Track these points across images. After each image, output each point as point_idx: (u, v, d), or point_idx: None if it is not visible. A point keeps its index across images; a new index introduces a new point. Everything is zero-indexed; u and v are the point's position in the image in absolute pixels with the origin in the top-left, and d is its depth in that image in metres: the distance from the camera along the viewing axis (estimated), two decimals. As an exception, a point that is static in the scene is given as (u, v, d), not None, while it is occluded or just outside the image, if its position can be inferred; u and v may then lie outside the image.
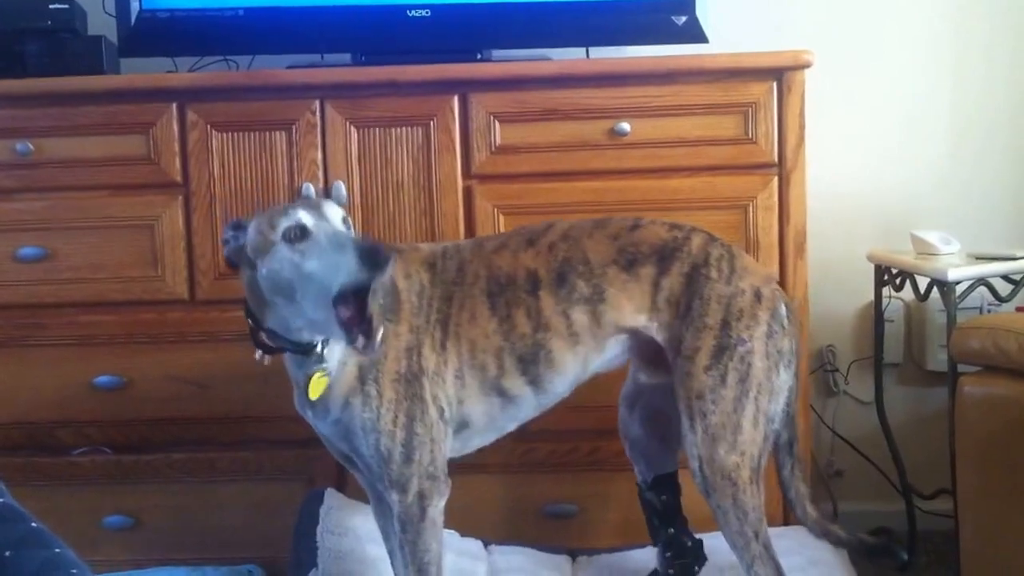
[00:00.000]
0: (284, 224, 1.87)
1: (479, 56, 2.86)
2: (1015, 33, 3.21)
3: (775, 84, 2.68)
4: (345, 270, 1.81)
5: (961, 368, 2.56)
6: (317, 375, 2.00)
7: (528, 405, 2.15)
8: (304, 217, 1.88)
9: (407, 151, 2.72)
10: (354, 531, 2.46)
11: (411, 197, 2.72)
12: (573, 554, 2.66)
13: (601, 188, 2.72)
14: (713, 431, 2.05)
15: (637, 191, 2.71)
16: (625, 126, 2.69)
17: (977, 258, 2.83)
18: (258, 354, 2.02)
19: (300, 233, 1.86)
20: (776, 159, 2.70)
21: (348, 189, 2.63)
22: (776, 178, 2.70)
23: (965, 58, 3.22)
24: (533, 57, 2.84)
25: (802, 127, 2.69)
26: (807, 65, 2.68)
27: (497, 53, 2.89)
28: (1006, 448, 2.38)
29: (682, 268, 2.13)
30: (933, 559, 2.99)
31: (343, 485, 2.67)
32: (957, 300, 2.68)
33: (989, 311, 3.04)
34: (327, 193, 2.05)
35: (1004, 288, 2.79)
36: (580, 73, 2.72)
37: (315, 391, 2.00)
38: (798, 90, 2.69)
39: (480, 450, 2.23)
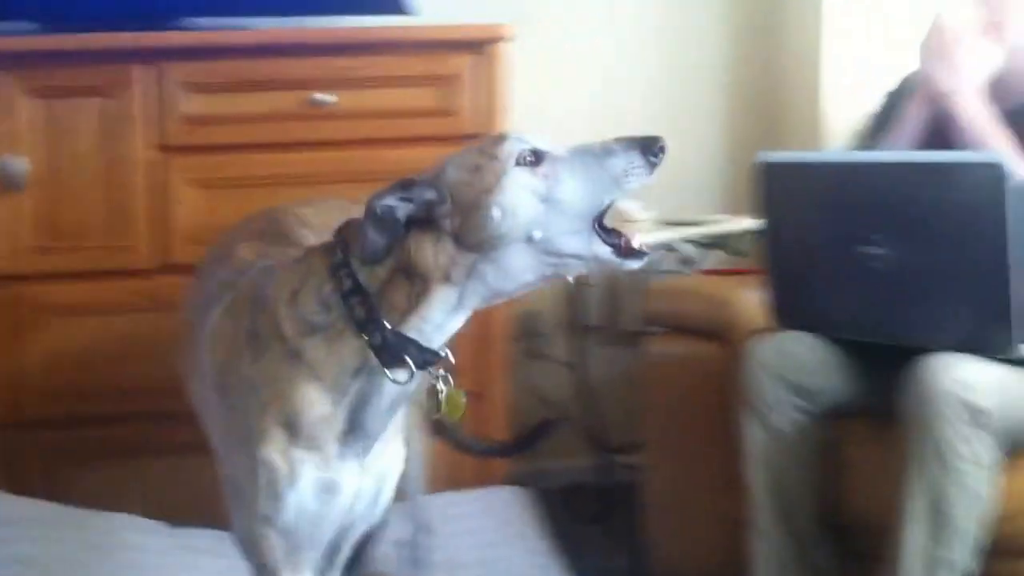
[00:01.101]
0: (510, 150, 1.51)
1: (177, 25, 2.77)
2: (714, 23, 3.38)
3: (477, 57, 2.72)
4: (622, 175, 1.50)
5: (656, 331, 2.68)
6: (451, 392, 1.62)
7: None
8: (531, 139, 1.53)
9: (96, 123, 2.62)
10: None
11: (100, 171, 2.62)
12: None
13: (305, 160, 2.70)
14: None
15: (343, 163, 2.70)
16: (328, 97, 2.67)
17: (668, 224, 2.96)
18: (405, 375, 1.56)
19: (535, 156, 1.51)
20: (476, 131, 2.73)
21: (30, 163, 2.50)
22: (477, 150, 2.74)
23: (666, 29, 3.35)
24: (237, 27, 2.78)
25: (503, 100, 2.73)
26: (507, 38, 2.72)
27: (199, 22, 2.81)
28: (687, 403, 2.52)
29: None
30: (626, 509, 3.13)
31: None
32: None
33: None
34: None
35: (694, 252, 2.94)
36: (281, 42, 2.69)
37: (456, 411, 1.64)
38: (500, 63, 2.73)
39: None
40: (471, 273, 1.51)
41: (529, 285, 1.55)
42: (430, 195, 1.50)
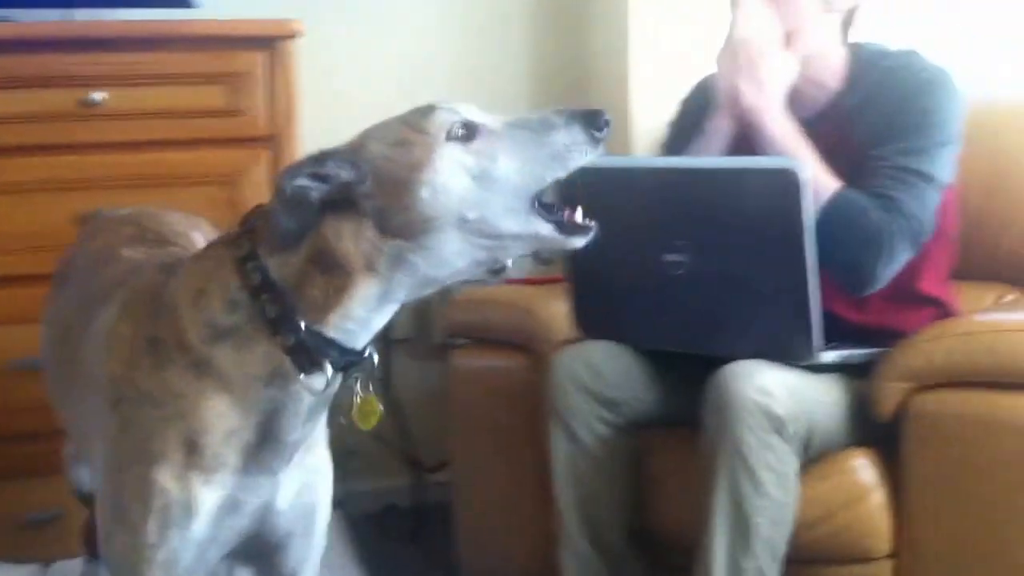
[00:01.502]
0: (441, 122, 1.37)
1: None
2: (516, 11, 3.32)
3: (265, 54, 2.60)
4: (564, 151, 1.39)
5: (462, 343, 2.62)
6: (367, 396, 1.46)
7: None
8: (463, 110, 1.39)
9: None
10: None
11: None
12: (48, 562, 2.47)
13: (84, 163, 2.54)
14: None
15: (124, 166, 2.56)
16: (101, 96, 2.51)
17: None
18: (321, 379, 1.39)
19: (468, 130, 1.37)
20: (268, 132, 2.62)
21: None
22: (268, 152, 2.62)
23: (469, 22, 3.28)
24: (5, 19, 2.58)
25: (293, 99, 2.63)
26: (297, 35, 2.62)
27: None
28: (494, 417, 2.47)
29: None
30: (442, 527, 3.07)
31: None
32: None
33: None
34: None
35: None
36: (48, 36, 2.51)
37: (370, 418, 1.48)
38: (289, 61, 2.63)
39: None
40: (397, 261, 1.36)
41: (463, 272, 1.40)
42: (347, 173, 1.34)
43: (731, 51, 2.11)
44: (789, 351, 2.00)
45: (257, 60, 2.61)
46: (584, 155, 1.40)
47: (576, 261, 2.17)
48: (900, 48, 2.20)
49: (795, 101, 2.12)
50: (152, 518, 1.41)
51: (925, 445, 2.01)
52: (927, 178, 2.05)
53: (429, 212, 1.34)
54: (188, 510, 1.41)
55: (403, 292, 1.39)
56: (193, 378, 1.39)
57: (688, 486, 2.04)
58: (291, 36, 2.61)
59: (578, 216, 1.41)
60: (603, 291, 2.18)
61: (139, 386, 1.42)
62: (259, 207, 1.42)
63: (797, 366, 2.00)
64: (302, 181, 1.33)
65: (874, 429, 2.05)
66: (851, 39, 2.23)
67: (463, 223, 1.35)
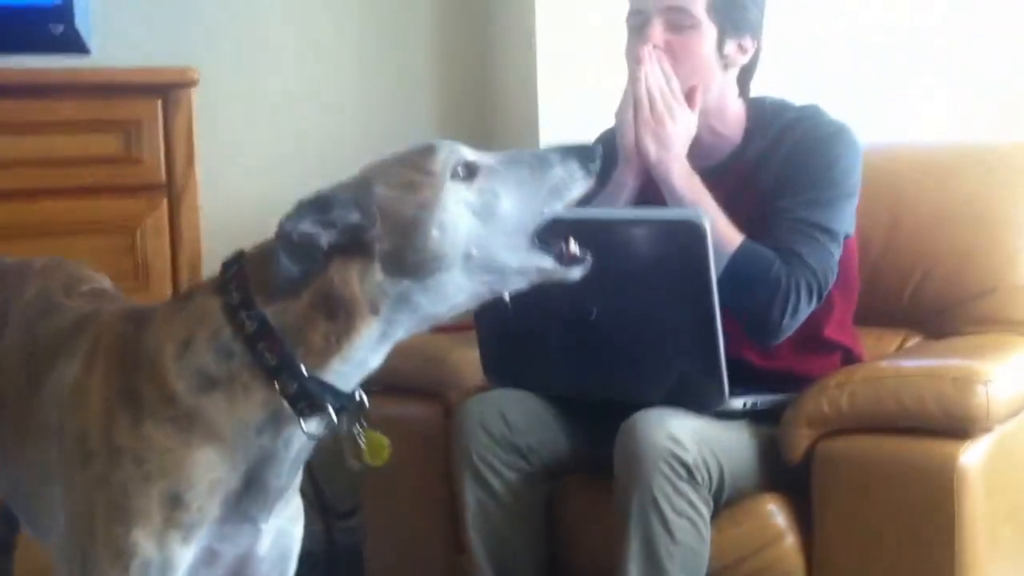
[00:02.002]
0: (444, 161, 1.38)
1: None
2: (422, 33, 3.30)
3: (160, 101, 2.55)
4: (561, 185, 1.42)
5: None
6: (371, 433, 1.46)
7: None
8: (462, 150, 1.40)
9: None
10: None
11: None
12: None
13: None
14: None
15: (14, 215, 2.46)
16: (-10, 144, 2.43)
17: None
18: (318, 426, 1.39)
19: (469, 169, 1.39)
20: (164, 180, 2.57)
21: None
22: (166, 200, 2.57)
23: (369, 79, 3.25)
24: None
25: (191, 146, 2.58)
26: (193, 83, 2.58)
27: None
28: (404, 464, 2.41)
29: None
30: (351, 574, 3.03)
31: None
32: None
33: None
34: None
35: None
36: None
37: (381, 453, 1.48)
38: (185, 108, 2.58)
39: None
40: (402, 301, 1.36)
41: (462, 307, 1.42)
42: (355, 217, 1.34)
43: (634, 107, 2.13)
44: (699, 398, 2.01)
45: (153, 107, 2.55)
46: (581, 187, 1.45)
47: (484, 309, 2.14)
48: (801, 103, 2.24)
49: (695, 152, 2.15)
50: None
51: (834, 489, 2.03)
52: (829, 232, 2.09)
53: (438, 251, 1.36)
54: (165, 570, 1.37)
55: (402, 331, 1.39)
56: (178, 431, 1.35)
57: (601, 533, 2.03)
58: (187, 84, 2.57)
59: (573, 247, 1.45)
60: (512, 339, 2.17)
61: (115, 442, 1.37)
62: (240, 253, 1.40)
63: (707, 413, 2.02)
64: (308, 227, 1.32)
65: (785, 473, 2.07)
66: (752, 93, 2.28)
67: (468, 260, 1.37)
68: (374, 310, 1.35)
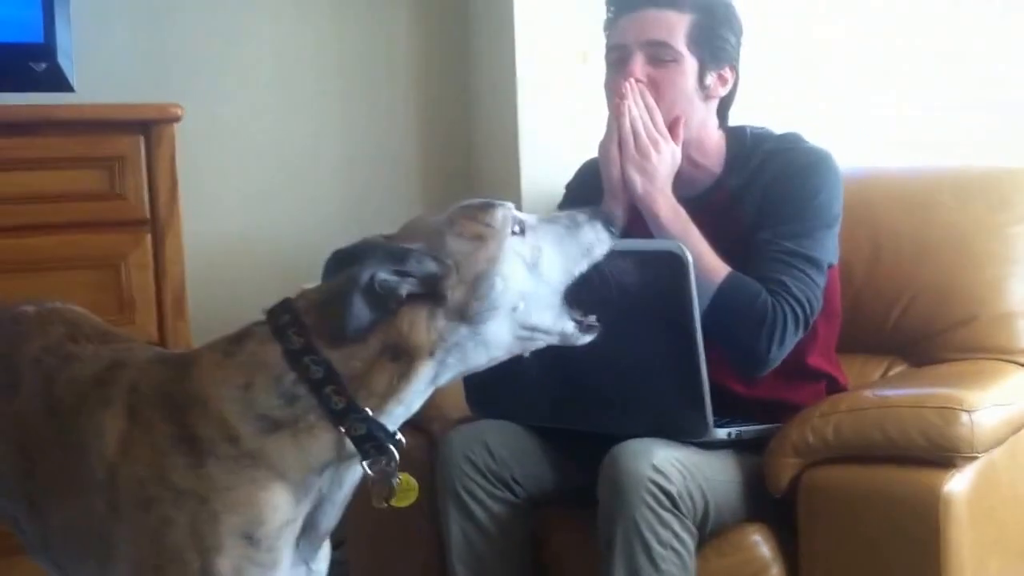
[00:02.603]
0: (504, 218, 1.48)
1: None
2: (403, 77, 3.31)
3: (143, 137, 2.56)
4: (591, 246, 1.56)
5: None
6: (405, 476, 1.48)
7: None
8: (512, 207, 1.51)
9: None
10: None
11: None
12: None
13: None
14: None
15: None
16: (-26, 181, 2.43)
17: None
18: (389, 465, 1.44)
19: (520, 226, 1.50)
20: (148, 215, 2.57)
21: None
22: (149, 235, 2.57)
23: (350, 118, 3.25)
24: None
25: (174, 181, 2.58)
26: (176, 119, 2.58)
27: None
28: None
29: None
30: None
31: None
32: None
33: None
34: None
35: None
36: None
37: (410, 495, 1.50)
38: (168, 144, 2.58)
39: None
40: (454, 347, 1.46)
41: (495, 359, 1.52)
42: (432, 268, 1.42)
43: (619, 141, 2.13)
44: (683, 428, 2.01)
45: (137, 143, 2.56)
46: (605, 248, 1.58)
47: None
48: (782, 132, 2.25)
49: (675, 183, 2.16)
50: None
51: (819, 519, 2.02)
52: (813, 262, 2.10)
53: (496, 301, 1.46)
54: None
55: (446, 377, 1.49)
56: (241, 469, 1.39)
57: (586, 564, 2.02)
58: (170, 119, 2.58)
59: (591, 318, 1.58)
60: (495, 370, 2.15)
61: (176, 485, 1.40)
62: (288, 301, 1.45)
63: (691, 443, 2.01)
64: (386, 275, 1.39)
65: (770, 504, 2.06)
66: (732, 123, 2.29)
67: (514, 312, 1.48)
68: (431, 354, 1.44)
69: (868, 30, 2.90)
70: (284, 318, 1.44)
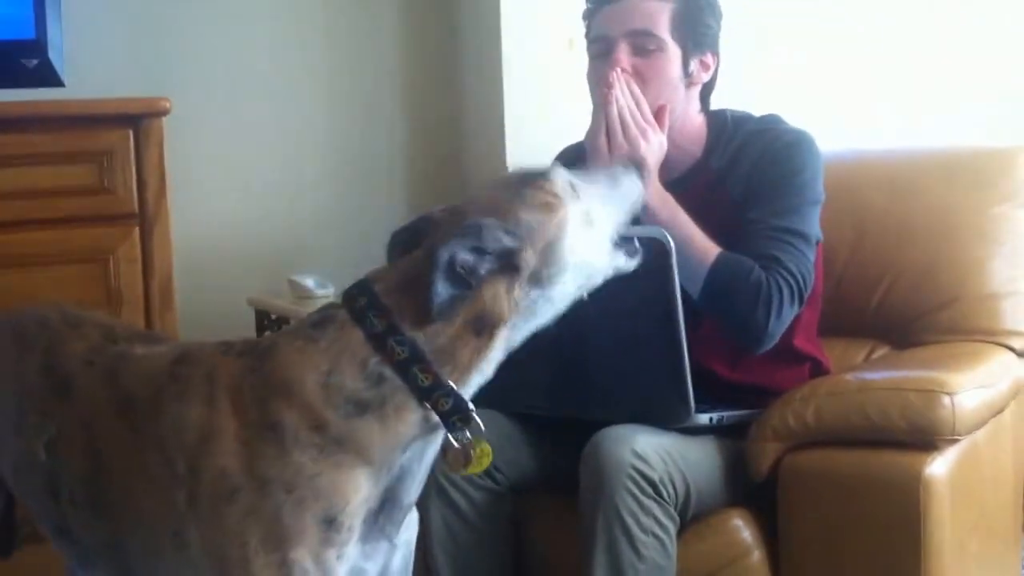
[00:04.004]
0: (561, 184, 1.54)
1: None
2: (390, 65, 3.31)
3: (132, 131, 2.57)
4: (629, 193, 1.64)
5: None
6: (480, 440, 1.52)
7: None
8: (565, 172, 1.57)
9: None
10: None
11: None
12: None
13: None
14: None
15: (-8, 247, 2.48)
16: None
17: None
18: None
19: (574, 189, 1.55)
20: (137, 209, 2.58)
21: None
22: (138, 229, 2.58)
23: (337, 108, 3.26)
24: None
25: (163, 175, 2.59)
26: (164, 112, 2.59)
27: None
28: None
29: None
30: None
31: None
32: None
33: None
34: None
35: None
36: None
37: (484, 460, 1.55)
38: (156, 138, 2.59)
39: None
40: (528, 310, 1.51)
41: (559, 312, 1.56)
42: (508, 241, 1.45)
43: (607, 133, 2.13)
44: (665, 414, 2.02)
45: (126, 138, 2.56)
46: (638, 195, 1.67)
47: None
48: (762, 114, 2.25)
49: (661, 166, 2.16)
50: None
51: (800, 503, 2.02)
52: (803, 236, 2.10)
53: (567, 263, 1.51)
54: None
55: (517, 339, 1.53)
56: (326, 456, 1.41)
57: (567, 550, 2.02)
58: (158, 113, 2.58)
59: (636, 243, 1.64)
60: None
61: (263, 475, 1.41)
62: (364, 283, 1.48)
63: (673, 429, 2.02)
64: (466, 255, 1.42)
65: (751, 488, 2.06)
66: (714, 106, 2.29)
67: (577, 266, 1.53)
68: (506, 322, 1.47)
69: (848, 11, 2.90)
70: (362, 301, 1.46)
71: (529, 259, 1.47)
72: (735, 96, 2.38)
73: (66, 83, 2.68)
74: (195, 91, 3.04)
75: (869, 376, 2.13)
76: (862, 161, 2.58)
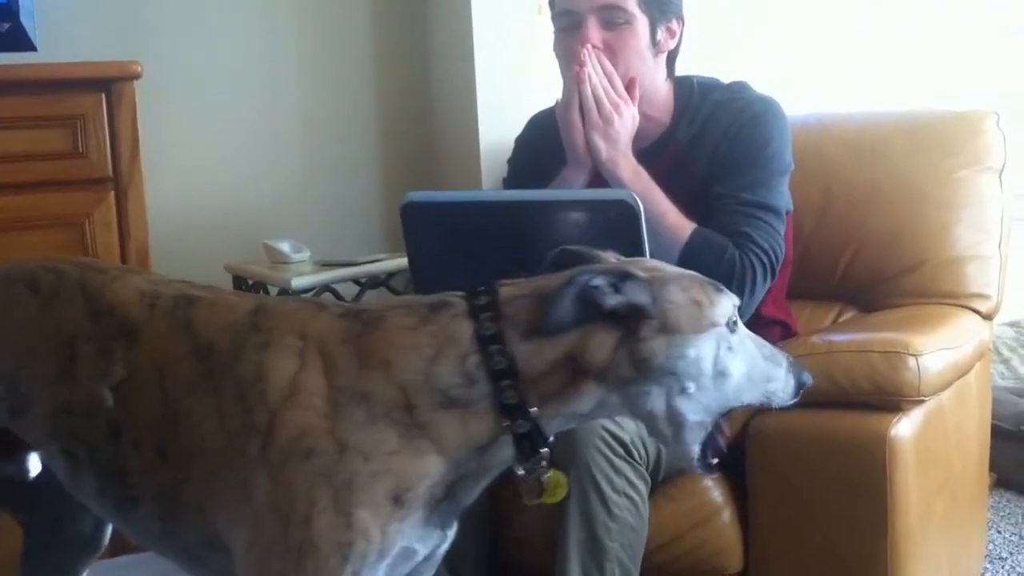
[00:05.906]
0: (726, 308, 1.46)
1: None
2: (360, 32, 3.30)
3: (104, 95, 2.57)
4: (773, 392, 1.50)
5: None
6: (556, 473, 1.51)
7: None
8: (737, 301, 1.49)
9: None
10: None
11: None
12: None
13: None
14: None
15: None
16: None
17: (323, 265, 2.89)
18: None
19: (732, 328, 1.47)
20: (111, 173, 2.58)
21: None
22: (113, 193, 2.59)
23: (309, 73, 3.25)
24: None
25: (136, 139, 2.60)
26: (135, 76, 2.59)
27: None
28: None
29: None
30: None
31: None
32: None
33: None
34: None
35: (351, 292, 2.88)
36: None
37: (558, 492, 1.53)
38: (129, 102, 2.59)
39: None
40: (621, 387, 1.43)
41: (625, 418, 1.56)
42: (645, 299, 1.42)
43: (581, 109, 2.14)
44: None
45: (98, 102, 2.57)
46: (783, 404, 1.52)
47: (420, 293, 2.17)
48: (729, 81, 2.27)
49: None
50: (349, 562, 1.41)
51: (767, 464, 2.06)
52: (772, 210, 2.13)
53: (674, 369, 1.42)
54: (382, 557, 1.43)
55: (603, 413, 1.49)
56: (409, 437, 1.42)
57: (541, 512, 2.01)
58: (130, 77, 2.58)
59: (714, 461, 1.50)
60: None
61: (343, 439, 1.42)
62: (493, 284, 1.47)
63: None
64: (601, 284, 1.40)
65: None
66: (679, 73, 2.30)
67: (678, 394, 1.43)
68: (601, 382, 1.43)
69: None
70: (482, 299, 1.45)
71: (649, 329, 1.42)
72: (702, 62, 2.39)
73: (38, 47, 2.68)
74: (168, 56, 3.02)
75: (835, 338, 2.15)
76: (828, 126, 2.60)
